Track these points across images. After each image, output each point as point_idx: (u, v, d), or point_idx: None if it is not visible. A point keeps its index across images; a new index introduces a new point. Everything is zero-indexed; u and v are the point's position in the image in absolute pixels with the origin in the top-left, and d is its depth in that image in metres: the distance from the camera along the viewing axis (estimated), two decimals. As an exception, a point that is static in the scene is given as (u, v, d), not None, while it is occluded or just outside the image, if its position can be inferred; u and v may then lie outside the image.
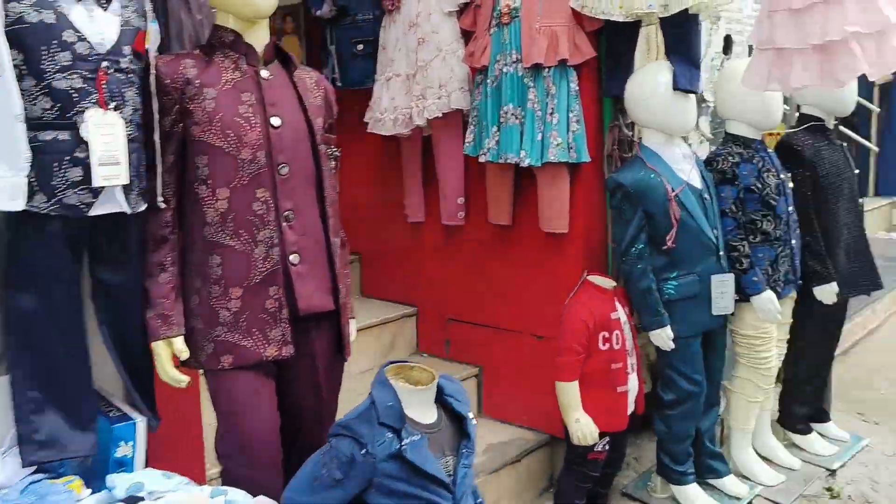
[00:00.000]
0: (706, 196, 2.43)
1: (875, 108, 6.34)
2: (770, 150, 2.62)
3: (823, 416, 2.97)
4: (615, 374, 2.37)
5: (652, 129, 2.42)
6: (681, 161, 2.42)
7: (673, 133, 2.41)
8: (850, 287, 2.72)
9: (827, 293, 2.66)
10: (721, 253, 2.43)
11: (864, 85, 6.52)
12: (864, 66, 1.97)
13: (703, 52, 2.90)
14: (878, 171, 6.43)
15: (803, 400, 2.90)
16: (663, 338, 2.39)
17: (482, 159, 2.65)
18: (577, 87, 2.51)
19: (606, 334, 2.35)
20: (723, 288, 2.42)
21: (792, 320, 2.75)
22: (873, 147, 6.32)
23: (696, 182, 2.43)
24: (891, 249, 5.55)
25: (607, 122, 2.65)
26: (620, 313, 2.41)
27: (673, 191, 2.35)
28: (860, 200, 2.75)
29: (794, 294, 2.68)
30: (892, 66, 2.01)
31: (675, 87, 2.34)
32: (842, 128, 6.26)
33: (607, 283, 2.43)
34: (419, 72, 2.78)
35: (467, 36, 2.75)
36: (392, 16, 2.89)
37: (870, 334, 4.22)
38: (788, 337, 2.76)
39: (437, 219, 3.00)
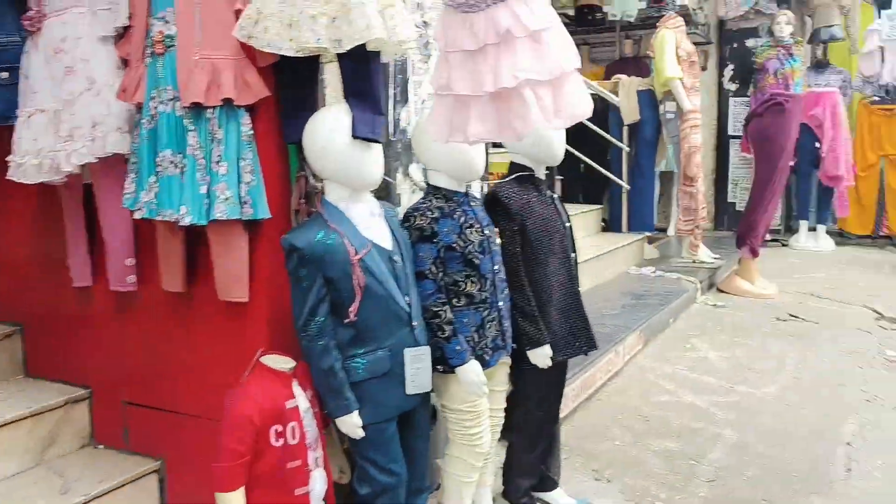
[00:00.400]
0: (397, 258, 2.13)
1: (625, 146, 6.60)
2: (476, 204, 2.38)
3: (549, 485, 2.77)
4: (293, 473, 1.99)
5: (333, 181, 2.09)
6: (368, 219, 2.11)
7: (355, 187, 2.09)
8: (565, 349, 2.54)
9: (540, 356, 2.46)
10: (415, 323, 2.14)
11: (616, 123, 6.83)
12: (539, 116, 1.75)
13: (414, 94, 2.64)
14: (630, 207, 6.66)
15: (526, 470, 2.68)
16: (351, 425, 2.04)
17: (137, 215, 2.19)
18: (251, 132, 2.13)
19: (280, 428, 1.97)
20: (418, 363, 2.12)
21: (507, 387, 2.53)
22: (624, 185, 6.56)
23: (386, 242, 2.12)
24: (641, 285, 5.71)
25: (294, 171, 2.29)
26: (300, 399, 2.04)
27: (357, 253, 2.03)
28: (572, 255, 2.59)
29: (506, 359, 2.46)
30: (570, 116, 1.81)
31: (354, 135, 2.03)
32: (594, 164, 6.47)
33: (285, 363, 2.05)
34: (66, 107, 2.28)
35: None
36: (34, 39, 2.36)
37: (613, 378, 4.19)
38: (504, 405, 2.53)
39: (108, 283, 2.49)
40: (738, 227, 6.10)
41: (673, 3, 7.66)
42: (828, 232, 7.78)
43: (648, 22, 7.84)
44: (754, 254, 5.92)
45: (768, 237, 7.79)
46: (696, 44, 8.17)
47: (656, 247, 7.00)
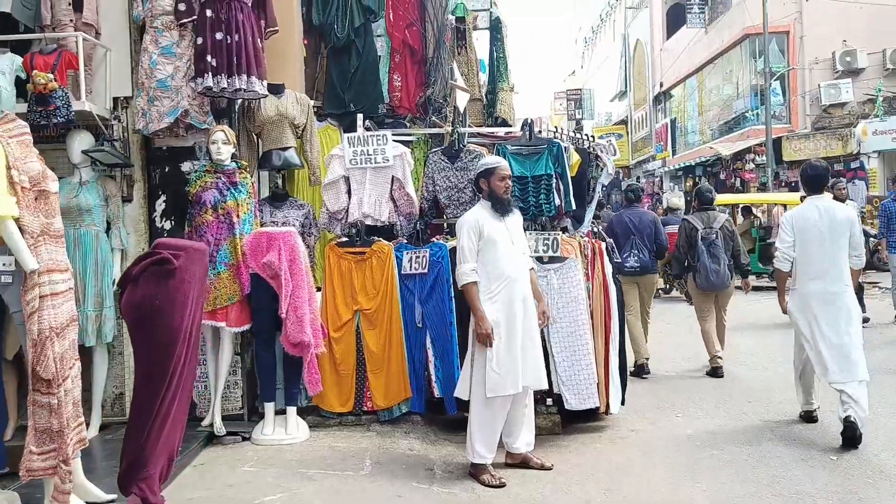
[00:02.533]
0: None
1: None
2: None
3: None
4: None
5: None
6: None
7: None
8: None
9: None
10: None
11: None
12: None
13: None
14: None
15: None
16: None
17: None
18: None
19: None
20: None
21: None
22: None
23: None
24: None
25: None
26: None
27: None
28: None
29: None
30: None
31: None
32: None
33: None
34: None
35: None
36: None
37: None
38: None
39: None
40: (120, 463, 3.68)
41: (68, 109, 5.29)
42: (301, 413, 5.90)
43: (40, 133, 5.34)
44: (150, 505, 3.56)
45: (224, 432, 5.64)
46: (114, 166, 5.89)
47: (19, 489, 4.24)
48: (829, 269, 5.57)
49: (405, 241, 6.18)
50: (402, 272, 6.04)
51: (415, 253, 6.02)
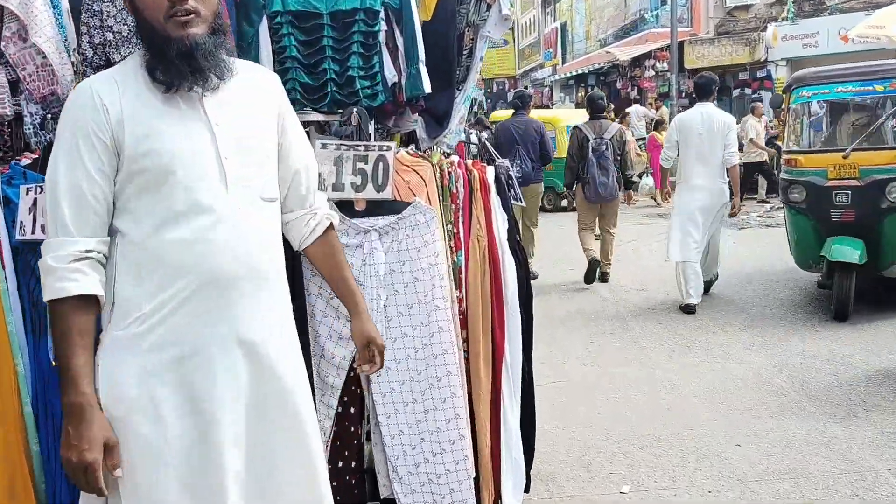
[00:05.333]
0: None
1: None
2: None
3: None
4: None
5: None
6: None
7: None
8: None
9: None
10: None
11: None
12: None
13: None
14: None
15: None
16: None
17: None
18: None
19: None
20: None
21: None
22: None
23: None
24: None
25: None
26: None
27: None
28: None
29: None
30: None
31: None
32: None
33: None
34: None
35: None
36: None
37: None
38: None
39: None
40: None
41: None
42: None
43: None
44: None
45: None
46: None
47: None
48: (708, 166, 6.34)
49: (26, 162, 2.65)
50: (18, 237, 2.54)
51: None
